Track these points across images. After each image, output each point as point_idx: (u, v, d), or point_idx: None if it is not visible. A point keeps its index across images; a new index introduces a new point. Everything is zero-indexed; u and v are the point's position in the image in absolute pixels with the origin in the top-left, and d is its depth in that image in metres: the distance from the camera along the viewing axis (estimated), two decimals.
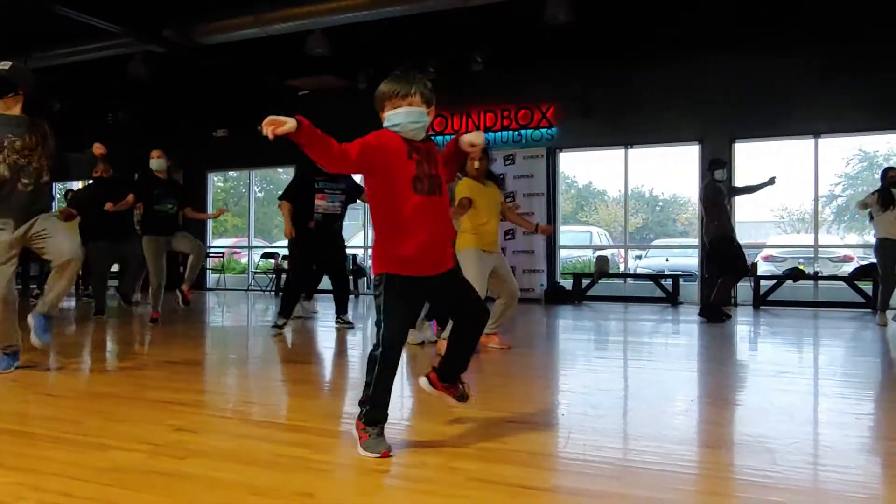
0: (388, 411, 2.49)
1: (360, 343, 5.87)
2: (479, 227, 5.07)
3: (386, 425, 2.48)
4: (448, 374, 2.83)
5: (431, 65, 11.40)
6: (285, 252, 12.88)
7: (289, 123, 2.32)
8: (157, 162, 6.82)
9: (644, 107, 10.63)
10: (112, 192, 6.99)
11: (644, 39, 10.46)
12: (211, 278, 14.29)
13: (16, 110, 4.01)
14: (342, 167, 2.54)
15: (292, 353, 5.42)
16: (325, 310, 8.72)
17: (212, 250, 14.36)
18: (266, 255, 13.83)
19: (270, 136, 2.34)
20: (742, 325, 7.56)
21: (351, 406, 3.34)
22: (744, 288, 10.50)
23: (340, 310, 6.68)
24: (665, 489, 2.13)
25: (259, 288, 13.22)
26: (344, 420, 3.02)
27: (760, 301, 9.97)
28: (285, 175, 15.72)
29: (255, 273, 13.65)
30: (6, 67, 4.02)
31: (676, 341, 6.23)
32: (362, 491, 2.06)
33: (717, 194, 7.81)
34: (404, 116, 2.52)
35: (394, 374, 2.50)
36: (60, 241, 3.94)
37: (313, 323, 7.40)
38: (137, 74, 11.37)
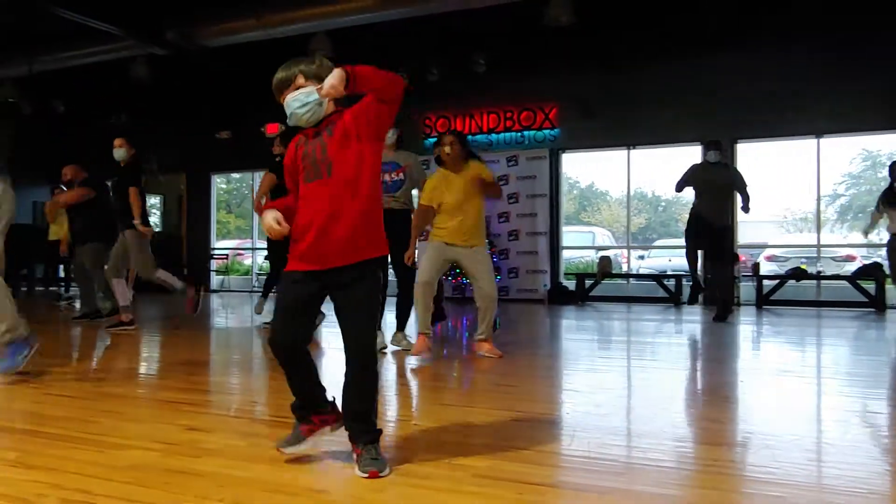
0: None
1: None
2: (446, 225, 4.82)
3: (390, 423, 2.53)
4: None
5: (434, 66, 11.48)
6: None
7: (338, 77, 2.19)
8: (118, 152, 6.47)
9: (646, 108, 10.69)
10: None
11: (645, 40, 10.52)
12: (215, 280, 14.36)
13: None
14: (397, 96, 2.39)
15: None
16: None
17: (215, 252, 14.44)
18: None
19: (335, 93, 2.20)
20: (745, 325, 7.60)
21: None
22: (747, 287, 10.55)
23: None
24: (668, 485, 2.18)
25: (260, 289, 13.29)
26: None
27: (763, 301, 10.01)
28: None
29: (259, 274, 13.70)
30: None
31: (679, 341, 6.27)
32: (374, 488, 2.11)
33: (697, 174, 7.73)
34: (290, 104, 2.30)
35: (289, 375, 2.39)
36: None
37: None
38: (140, 77, 11.45)
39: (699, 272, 8.04)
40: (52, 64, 11.66)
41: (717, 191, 7.61)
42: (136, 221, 6.31)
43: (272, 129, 13.92)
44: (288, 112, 2.33)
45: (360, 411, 2.32)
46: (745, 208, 7.59)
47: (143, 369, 4.66)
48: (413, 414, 3.15)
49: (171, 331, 6.77)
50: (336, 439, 2.69)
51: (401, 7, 9.15)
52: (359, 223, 2.28)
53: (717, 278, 7.97)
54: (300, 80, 2.34)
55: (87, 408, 3.23)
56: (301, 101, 2.30)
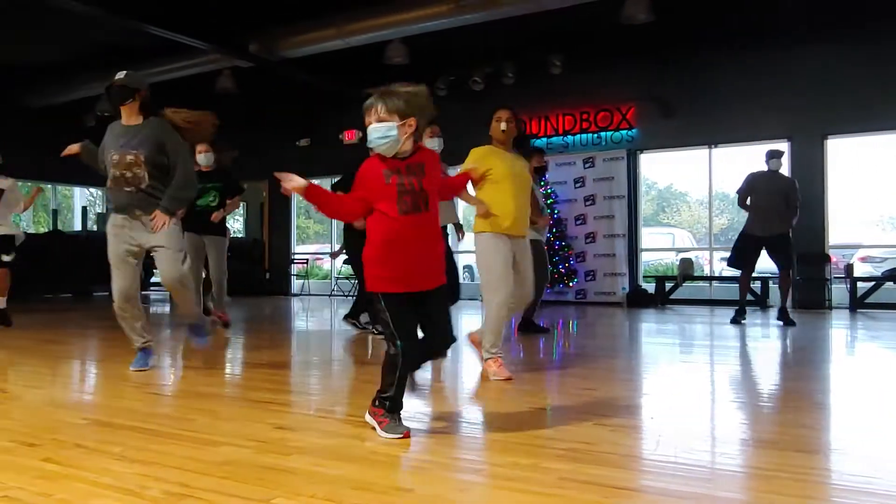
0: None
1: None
2: (496, 205, 4.05)
3: (474, 426, 2.55)
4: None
5: (509, 69, 11.48)
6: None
7: (297, 182, 2.61)
8: (203, 157, 6.61)
9: (728, 104, 10.37)
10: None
11: (726, 34, 10.20)
12: (295, 284, 14.76)
13: (130, 117, 4.26)
14: (355, 218, 2.88)
15: (373, 355, 5.56)
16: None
17: (296, 257, 14.83)
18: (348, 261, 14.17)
19: (284, 191, 2.67)
20: (837, 329, 7.28)
21: (436, 407, 3.44)
22: (839, 290, 10.09)
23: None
24: (758, 492, 2.12)
25: (342, 293, 13.54)
26: (430, 421, 3.11)
27: (858, 303, 9.54)
28: None
29: (338, 278, 14.00)
30: (123, 75, 4.26)
31: (766, 345, 6.05)
32: (458, 488, 2.14)
33: (758, 183, 7.44)
34: (370, 133, 2.62)
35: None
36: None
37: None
38: (225, 88, 11.91)
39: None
40: (143, 78, 12.25)
41: (777, 199, 7.33)
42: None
43: (350, 136, 14.25)
44: (369, 139, 2.64)
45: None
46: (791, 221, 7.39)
47: (230, 370, 4.84)
48: (494, 416, 3.16)
49: (255, 334, 6.99)
50: (417, 440, 2.74)
51: (475, 12, 9.18)
52: (441, 252, 2.79)
53: (782, 287, 7.55)
54: (383, 113, 2.61)
55: (183, 406, 3.39)
56: (382, 133, 2.60)
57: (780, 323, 7.34)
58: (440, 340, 2.81)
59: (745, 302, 7.70)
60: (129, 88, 4.22)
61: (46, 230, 15.55)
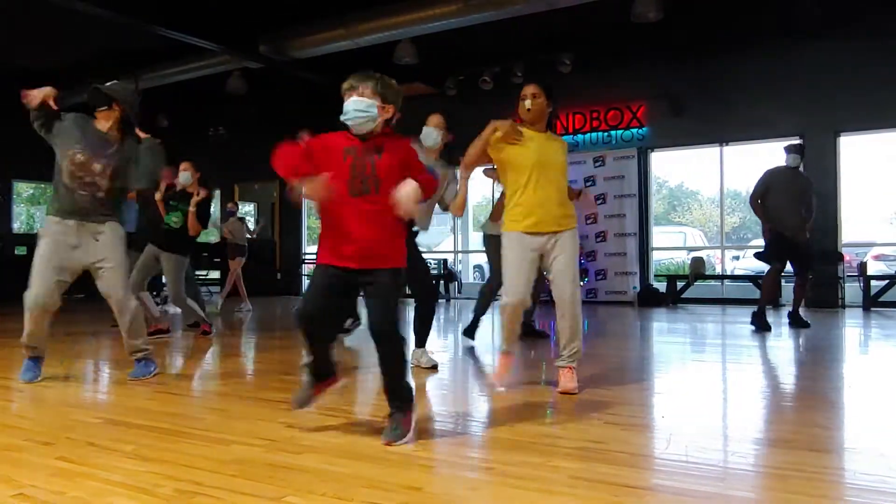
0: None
1: (451, 346, 5.97)
2: (517, 198, 3.64)
3: (487, 425, 2.55)
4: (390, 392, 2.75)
5: (518, 68, 11.46)
6: None
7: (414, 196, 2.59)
8: (183, 175, 6.43)
9: (739, 102, 10.32)
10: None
11: (737, 31, 10.15)
12: (306, 284, 14.78)
13: (107, 126, 4.04)
14: (285, 172, 2.61)
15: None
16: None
17: (306, 257, 14.87)
18: None
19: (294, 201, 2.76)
20: (851, 328, 7.23)
21: (442, 408, 3.43)
22: (853, 288, 10.02)
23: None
24: (772, 491, 2.11)
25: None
26: (440, 420, 3.11)
27: (871, 302, 9.47)
28: None
29: None
30: (109, 84, 4.14)
31: (779, 344, 6.01)
32: (469, 486, 2.14)
33: (776, 180, 6.99)
34: (351, 104, 2.61)
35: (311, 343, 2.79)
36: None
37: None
38: (235, 89, 11.97)
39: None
40: (156, 80, 12.34)
41: (796, 197, 6.88)
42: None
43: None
44: (345, 110, 2.62)
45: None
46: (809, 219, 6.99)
47: (242, 369, 4.86)
48: (504, 415, 3.16)
49: (266, 334, 7.01)
50: (428, 440, 2.74)
51: (484, 11, 9.17)
52: (390, 238, 2.69)
53: (799, 288, 7.11)
54: (368, 91, 2.63)
55: (194, 405, 3.41)
56: (362, 108, 2.61)
57: (793, 326, 6.97)
58: (373, 326, 2.66)
59: (767, 304, 7.02)
60: (106, 96, 4.06)
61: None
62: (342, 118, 2.63)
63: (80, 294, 12.27)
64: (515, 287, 3.68)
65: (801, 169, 7.13)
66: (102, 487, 2.12)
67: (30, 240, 13.69)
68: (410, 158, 2.74)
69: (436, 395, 3.84)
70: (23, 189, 18.39)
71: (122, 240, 4.10)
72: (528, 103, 3.65)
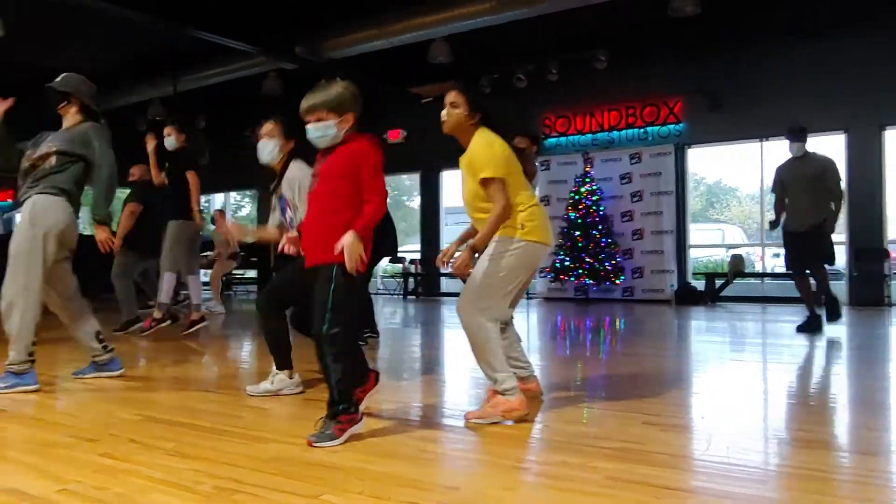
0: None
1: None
2: (542, 217, 3.19)
3: (522, 424, 2.53)
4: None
5: (553, 65, 11.38)
6: (414, 256, 13.28)
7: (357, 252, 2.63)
8: (168, 140, 6.44)
9: (780, 96, 10.09)
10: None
11: (776, 23, 9.93)
12: None
13: (72, 120, 3.95)
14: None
15: (414, 354, 5.58)
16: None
17: None
18: (393, 260, 14.25)
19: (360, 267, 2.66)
20: None
21: (474, 404, 3.42)
22: None
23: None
24: (817, 494, 2.05)
25: (387, 291, 13.63)
26: (476, 420, 3.10)
27: None
28: (409, 181, 16.11)
29: (384, 277, 14.08)
30: (58, 79, 3.99)
31: (821, 343, 5.86)
32: (505, 486, 2.12)
33: (783, 174, 6.53)
34: (311, 132, 2.76)
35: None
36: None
37: (428, 325, 7.55)
38: (272, 90, 12.10)
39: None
40: (193, 83, 12.54)
41: (803, 187, 6.34)
42: (195, 207, 6.31)
43: (395, 136, 14.32)
44: (308, 137, 2.78)
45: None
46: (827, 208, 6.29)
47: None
48: (541, 415, 3.13)
49: (294, 331, 7.06)
50: (464, 438, 2.73)
51: (518, 8, 9.12)
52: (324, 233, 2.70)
53: (816, 280, 6.60)
54: (322, 112, 2.72)
55: (232, 403, 3.45)
56: (321, 132, 2.73)
57: (828, 317, 6.42)
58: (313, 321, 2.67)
59: (812, 306, 6.48)
60: (60, 92, 3.95)
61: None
62: (312, 142, 2.80)
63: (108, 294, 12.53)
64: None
65: (812, 154, 6.48)
66: (144, 484, 2.15)
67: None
68: (359, 157, 2.70)
69: (472, 394, 3.83)
70: None
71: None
72: (443, 113, 3.21)
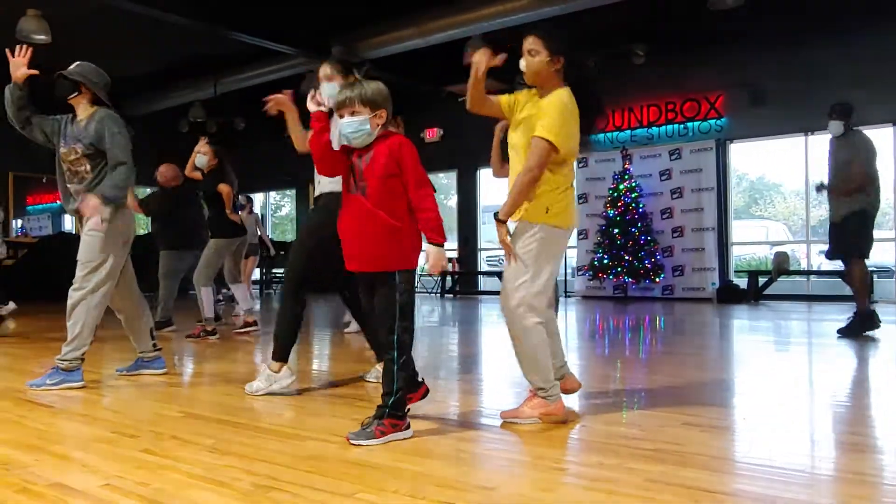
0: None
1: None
2: (570, 196, 3.00)
3: (559, 424, 2.51)
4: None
5: (591, 61, 11.26)
6: (451, 254, 13.28)
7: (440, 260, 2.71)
8: (200, 158, 6.50)
9: (825, 88, 9.81)
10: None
11: (820, 15, 9.68)
12: None
13: (84, 111, 3.88)
14: (311, 146, 2.84)
15: (452, 353, 5.58)
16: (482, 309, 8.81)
17: None
18: None
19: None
20: None
21: (514, 406, 3.39)
22: None
23: None
24: (864, 500, 1.99)
25: (425, 290, 13.66)
26: (512, 419, 3.08)
27: None
28: (446, 179, 16.13)
29: (421, 275, 14.11)
30: (71, 67, 3.88)
31: (868, 342, 5.69)
32: (542, 487, 2.10)
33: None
34: (343, 127, 2.66)
35: None
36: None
37: (467, 323, 7.53)
38: (309, 91, 12.22)
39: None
40: (232, 85, 12.74)
41: (836, 175, 5.91)
42: (228, 210, 6.39)
43: (432, 134, 14.34)
44: (340, 132, 2.67)
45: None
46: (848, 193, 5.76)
47: (317, 366, 4.95)
48: (580, 415, 3.10)
49: (338, 331, 7.12)
50: (501, 438, 2.71)
51: (555, 4, 9.06)
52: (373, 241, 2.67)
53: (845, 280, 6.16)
54: (356, 105, 2.65)
55: (271, 400, 3.48)
56: (356, 127, 2.64)
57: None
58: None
59: (862, 303, 5.96)
60: (71, 82, 3.83)
61: (145, 232, 16.36)
62: (341, 142, 2.70)
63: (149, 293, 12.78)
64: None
65: (848, 135, 5.98)
66: (184, 480, 2.19)
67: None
68: (399, 149, 2.66)
69: (509, 393, 3.81)
70: None
71: (96, 235, 3.80)
72: (521, 62, 3.00)
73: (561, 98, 2.87)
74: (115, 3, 9.05)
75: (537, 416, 2.88)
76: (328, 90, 3.60)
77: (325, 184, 3.68)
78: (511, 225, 2.95)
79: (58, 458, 2.45)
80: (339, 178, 2.92)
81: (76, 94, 3.85)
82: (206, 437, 2.69)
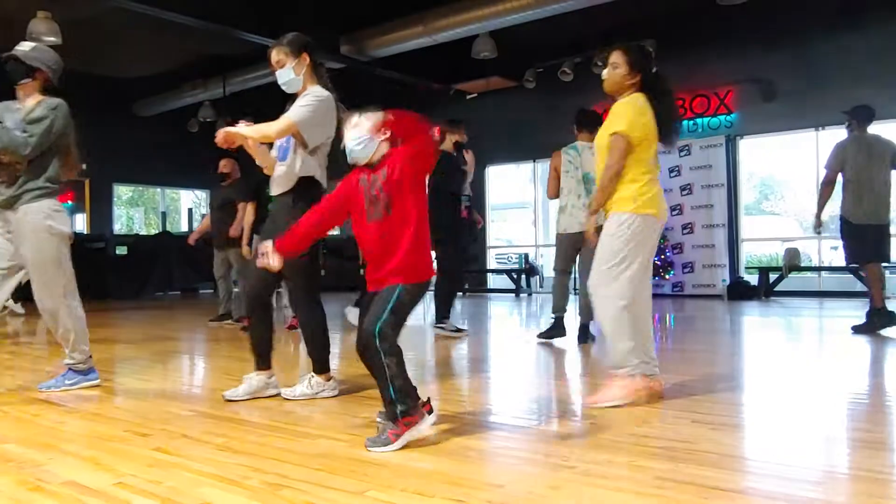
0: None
1: (535, 342, 5.91)
2: (652, 180, 3.25)
3: (568, 422, 2.50)
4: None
5: (598, 58, 11.23)
6: None
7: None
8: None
9: (837, 83, 9.76)
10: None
11: (831, 9, 9.61)
12: None
13: (32, 99, 3.51)
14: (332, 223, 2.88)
15: (462, 352, 5.58)
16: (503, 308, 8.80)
17: None
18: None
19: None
20: None
21: (524, 404, 3.40)
22: None
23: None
24: (877, 498, 1.98)
25: (433, 287, 13.67)
26: (523, 416, 3.08)
27: None
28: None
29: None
30: (27, 49, 3.54)
31: (882, 339, 5.65)
32: (551, 484, 2.10)
33: (846, 153, 5.92)
34: (347, 142, 2.64)
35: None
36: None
37: (479, 324, 7.52)
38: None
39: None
40: (241, 84, 12.78)
41: (874, 172, 5.75)
42: (234, 234, 6.56)
43: (439, 133, 14.35)
44: (347, 148, 2.67)
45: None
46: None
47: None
48: (588, 412, 3.10)
49: (349, 327, 7.13)
50: (511, 436, 2.72)
51: (563, 1, 9.04)
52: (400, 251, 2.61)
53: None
54: (360, 119, 2.68)
55: (281, 399, 3.50)
56: (354, 141, 2.63)
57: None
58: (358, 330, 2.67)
59: (880, 301, 5.82)
60: (27, 65, 3.48)
61: (157, 231, 16.44)
62: (349, 160, 2.68)
63: (176, 291, 12.85)
64: None
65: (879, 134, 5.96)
66: (195, 478, 2.20)
67: (130, 240, 14.46)
68: (402, 154, 2.62)
69: (519, 390, 3.82)
70: (123, 192, 19.41)
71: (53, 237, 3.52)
72: (603, 72, 3.34)
73: (633, 98, 3.20)
74: (124, 4, 9.11)
75: (627, 396, 3.11)
76: (282, 77, 3.63)
77: (274, 189, 3.64)
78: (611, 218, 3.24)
79: (71, 457, 2.47)
80: (287, 176, 3.42)
81: (29, 80, 3.49)
82: (216, 436, 2.71)
